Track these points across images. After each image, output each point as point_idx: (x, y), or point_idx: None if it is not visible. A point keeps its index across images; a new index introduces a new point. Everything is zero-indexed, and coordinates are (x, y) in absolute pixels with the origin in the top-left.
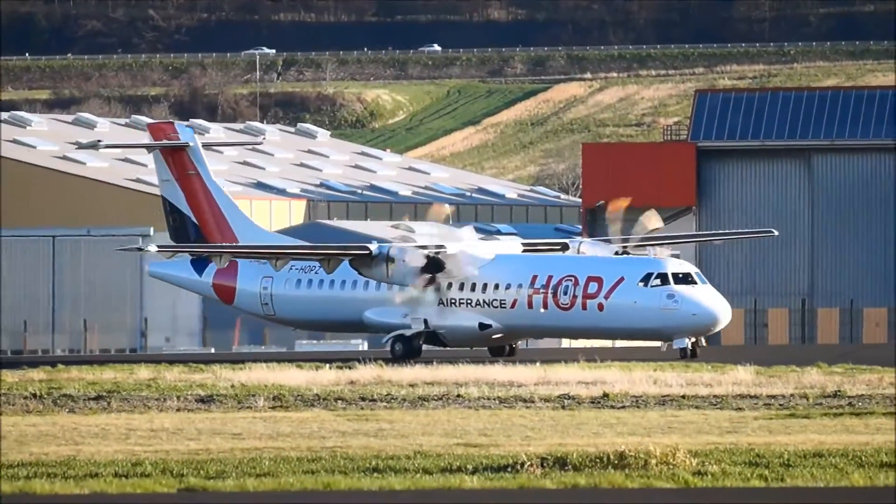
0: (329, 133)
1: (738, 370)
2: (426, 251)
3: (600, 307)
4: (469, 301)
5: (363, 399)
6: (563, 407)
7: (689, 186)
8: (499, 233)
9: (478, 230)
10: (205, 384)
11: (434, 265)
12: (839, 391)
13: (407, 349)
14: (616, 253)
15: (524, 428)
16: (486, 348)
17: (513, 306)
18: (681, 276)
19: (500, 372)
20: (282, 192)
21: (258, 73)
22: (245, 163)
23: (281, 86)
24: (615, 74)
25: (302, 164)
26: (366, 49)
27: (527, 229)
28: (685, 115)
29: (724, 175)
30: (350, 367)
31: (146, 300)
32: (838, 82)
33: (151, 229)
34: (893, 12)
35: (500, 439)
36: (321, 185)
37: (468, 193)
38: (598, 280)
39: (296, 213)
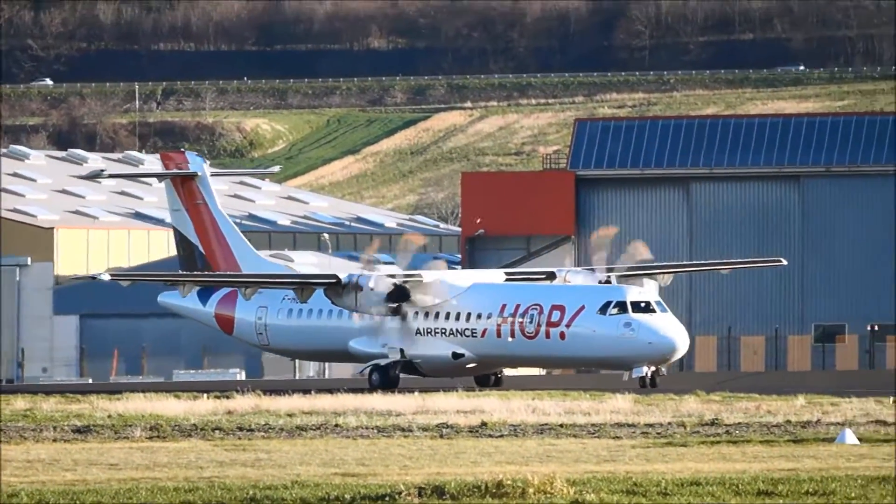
0: (208, 162)
1: (616, 398)
2: (393, 279)
3: (562, 336)
4: (443, 330)
5: (241, 429)
6: (442, 436)
7: (569, 215)
8: (378, 262)
9: (355, 259)
10: (82, 414)
11: (400, 294)
12: (716, 419)
13: (383, 379)
14: (600, 282)
15: (402, 457)
16: (472, 378)
17: (483, 335)
18: (640, 304)
19: (378, 401)
20: (160, 221)
21: (137, 102)
22: (123, 192)
23: (160, 115)
24: (495, 103)
25: None
26: (245, 78)
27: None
28: (565, 143)
29: (604, 203)
30: (228, 397)
31: (23, 331)
32: (718, 110)
33: (28, 259)
34: (772, 41)
35: (377, 468)
36: None
37: (347, 222)
38: (561, 308)
39: (174, 244)
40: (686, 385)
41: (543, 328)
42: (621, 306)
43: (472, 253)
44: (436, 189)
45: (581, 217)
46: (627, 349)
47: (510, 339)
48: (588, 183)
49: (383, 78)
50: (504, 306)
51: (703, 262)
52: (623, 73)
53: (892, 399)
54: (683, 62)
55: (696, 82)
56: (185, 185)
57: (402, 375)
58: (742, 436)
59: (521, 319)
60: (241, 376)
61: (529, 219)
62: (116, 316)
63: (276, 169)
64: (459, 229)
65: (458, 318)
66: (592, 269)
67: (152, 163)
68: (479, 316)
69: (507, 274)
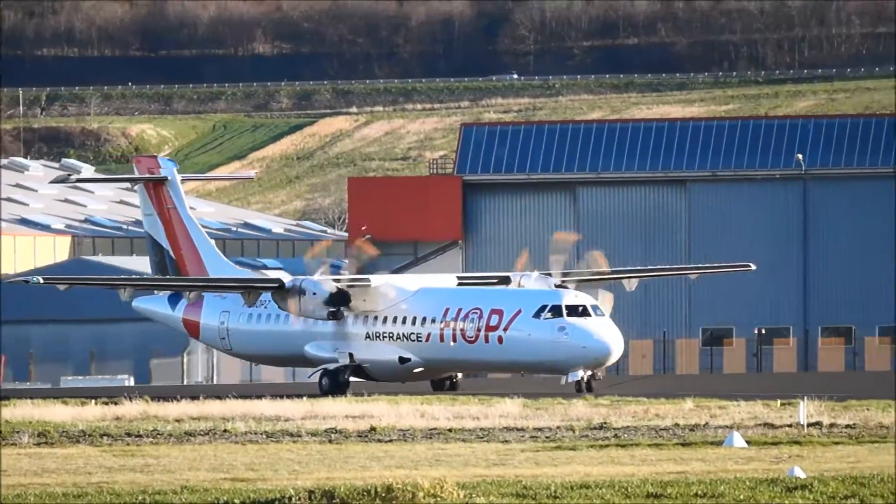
0: (94, 168)
1: (505, 402)
2: (336, 284)
3: (500, 340)
4: (391, 334)
5: (129, 434)
6: (331, 441)
7: (455, 220)
8: (265, 267)
9: (243, 264)
10: None
11: (340, 298)
12: (605, 423)
13: (333, 383)
14: (553, 285)
15: (291, 462)
16: (428, 382)
17: (427, 340)
18: (575, 308)
19: (266, 406)
20: (46, 227)
21: (21, 107)
22: (9, 199)
23: (45, 121)
24: (381, 108)
25: (66, 200)
26: (130, 83)
27: (293, 264)
28: (451, 148)
29: (491, 208)
30: (116, 403)
31: None
32: (603, 115)
33: None
34: (656, 46)
35: (267, 474)
36: (86, 220)
37: (234, 228)
38: (500, 313)
39: (60, 250)
40: (603, 388)
41: (483, 332)
42: (556, 310)
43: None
44: (322, 194)
45: (468, 222)
46: (561, 353)
47: (452, 343)
48: (475, 188)
49: (268, 83)
50: (447, 310)
51: (664, 267)
52: (508, 78)
53: (778, 402)
54: (568, 67)
55: (582, 87)
56: (156, 190)
57: (355, 379)
58: (631, 439)
59: (461, 324)
60: (130, 382)
61: (416, 224)
62: (4, 322)
63: (252, 174)
64: (346, 234)
65: (404, 322)
66: (549, 274)
67: (37, 169)
68: (423, 320)
69: (459, 279)
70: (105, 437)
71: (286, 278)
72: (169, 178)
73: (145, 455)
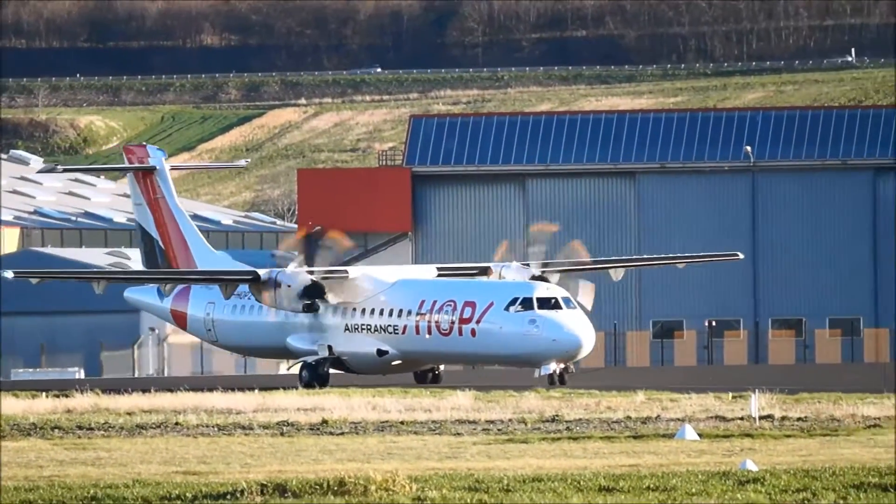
0: (42, 160)
1: (457, 395)
2: (310, 276)
3: (473, 333)
4: (369, 327)
5: (80, 427)
6: (283, 434)
7: (405, 212)
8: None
9: None
10: None
11: (315, 290)
12: (557, 416)
13: (312, 375)
14: (532, 277)
15: (243, 455)
16: (412, 374)
17: (404, 332)
18: (546, 300)
19: (218, 399)
20: None
21: None
22: None
23: None
24: (330, 100)
25: (15, 192)
26: (78, 75)
27: (243, 255)
28: (400, 140)
29: (440, 200)
30: (67, 396)
31: None
32: (552, 107)
33: None
34: (605, 38)
35: (219, 467)
36: (35, 212)
37: None
38: (473, 305)
39: (9, 241)
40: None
41: (456, 325)
42: (527, 303)
43: (310, 250)
44: (272, 186)
45: (418, 214)
46: (532, 346)
47: (427, 336)
48: (424, 179)
49: (217, 75)
50: (422, 302)
51: (651, 256)
52: (457, 70)
53: (730, 395)
54: (517, 59)
55: (530, 79)
56: (145, 179)
57: (337, 371)
58: (583, 432)
59: (436, 316)
60: (81, 375)
61: (366, 215)
62: None
63: (244, 163)
64: (296, 226)
65: (381, 314)
66: (527, 265)
67: None
68: (400, 313)
69: (439, 269)
70: (56, 430)
71: (262, 271)
72: (157, 167)
73: (97, 448)
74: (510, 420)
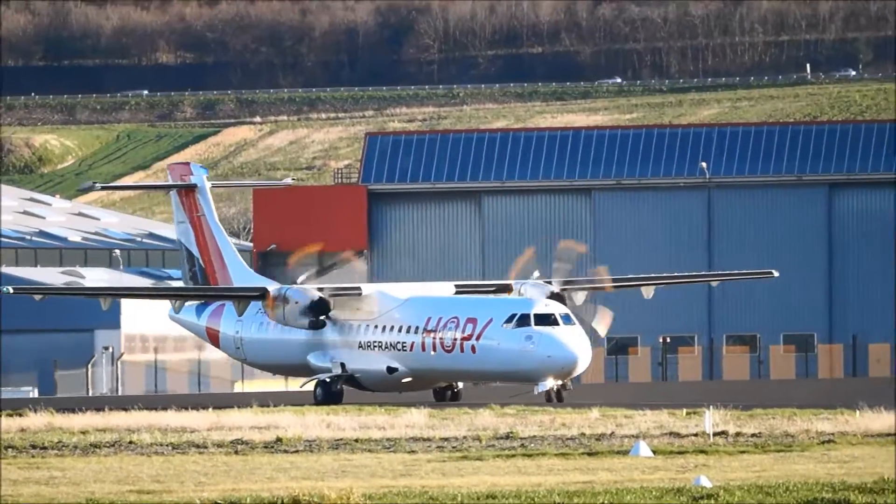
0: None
1: (411, 412)
2: (318, 293)
3: (473, 349)
4: (380, 344)
5: (34, 447)
6: (237, 452)
7: (361, 229)
8: (170, 278)
9: (148, 275)
10: None
11: (320, 307)
12: (511, 433)
13: (326, 394)
14: (551, 294)
15: (197, 474)
16: (431, 392)
17: (411, 349)
18: (544, 317)
19: (172, 418)
20: None
21: None
22: None
23: None
24: (285, 117)
25: None
26: (33, 93)
27: None
28: (356, 157)
29: (396, 218)
30: (20, 415)
31: None
32: (507, 124)
33: None
34: (560, 54)
35: (173, 485)
36: None
37: (139, 238)
38: (474, 321)
39: None
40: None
41: (458, 342)
42: (524, 319)
43: (265, 268)
44: (227, 204)
45: (373, 231)
46: (528, 363)
47: (432, 352)
48: (380, 197)
49: (172, 93)
50: (429, 319)
51: (682, 273)
52: (412, 87)
53: (684, 411)
54: (472, 76)
55: (486, 96)
56: (187, 197)
57: (360, 390)
58: (537, 449)
59: (440, 333)
60: (34, 394)
61: (322, 234)
62: None
63: (290, 181)
64: (251, 244)
65: (391, 331)
66: (549, 282)
67: None
68: (408, 329)
69: (457, 287)
70: (10, 450)
71: (271, 287)
72: (199, 185)
73: (50, 467)
74: (464, 437)
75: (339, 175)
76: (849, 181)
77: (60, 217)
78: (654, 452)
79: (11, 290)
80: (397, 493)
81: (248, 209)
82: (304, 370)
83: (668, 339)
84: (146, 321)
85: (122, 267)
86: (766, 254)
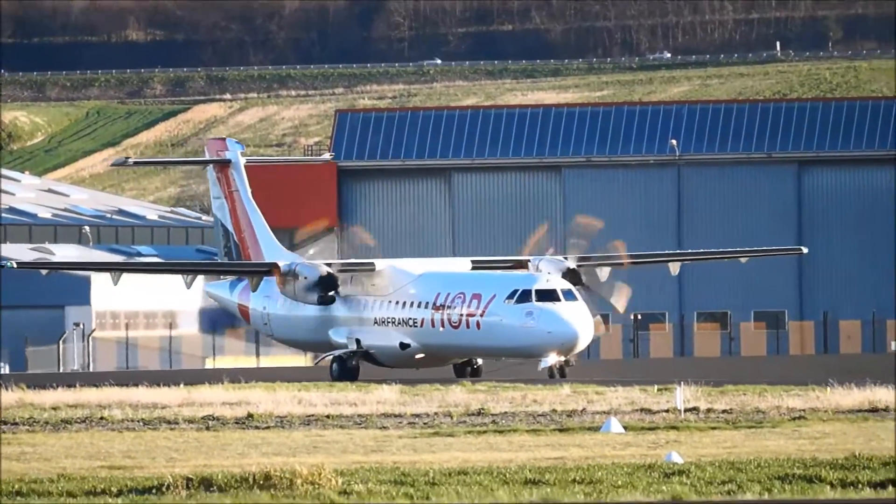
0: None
1: (383, 389)
2: (327, 269)
3: (478, 325)
4: (393, 320)
5: (5, 423)
6: (208, 428)
7: (331, 206)
8: (139, 254)
9: (117, 252)
10: None
11: (328, 282)
12: (483, 409)
13: (341, 369)
14: (566, 270)
15: (168, 449)
16: (451, 368)
17: (421, 325)
18: (545, 292)
19: (143, 394)
20: None
21: None
22: None
23: None
24: (255, 95)
25: None
26: (2, 70)
27: (168, 251)
28: (326, 135)
29: (366, 195)
30: None
31: None
32: (477, 101)
33: None
34: (531, 32)
35: (144, 461)
36: None
37: (108, 215)
38: (478, 297)
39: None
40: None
41: (464, 318)
42: (525, 295)
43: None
44: (197, 181)
45: (343, 208)
46: (528, 338)
47: (441, 329)
48: (350, 174)
49: (142, 70)
50: (438, 295)
51: (703, 251)
52: (383, 65)
53: (655, 387)
54: (443, 53)
55: (456, 73)
56: (222, 173)
57: (381, 366)
58: (508, 425)
59: (448, 309)
60: (5, 370)
61: (292, 210)
62: None
63: (328, 157)
64: None
65: (404, 307)
66: (564, 258)
67: None
68: (420, 305)
69: (473, 262)
70: None
71: (282, 262)
72: (233, 160)
73: (21, 443)
74: (436, 414)
75: (310, 152)
76: (818, 159)
77: (30, 193)
78: (625, 428)
79: (15, 265)
80: (369, 469)
81: None
82: (328, 346)
83: (640, 317)
84: (117, 298)
85: (91, 244)
86: (735, 231)
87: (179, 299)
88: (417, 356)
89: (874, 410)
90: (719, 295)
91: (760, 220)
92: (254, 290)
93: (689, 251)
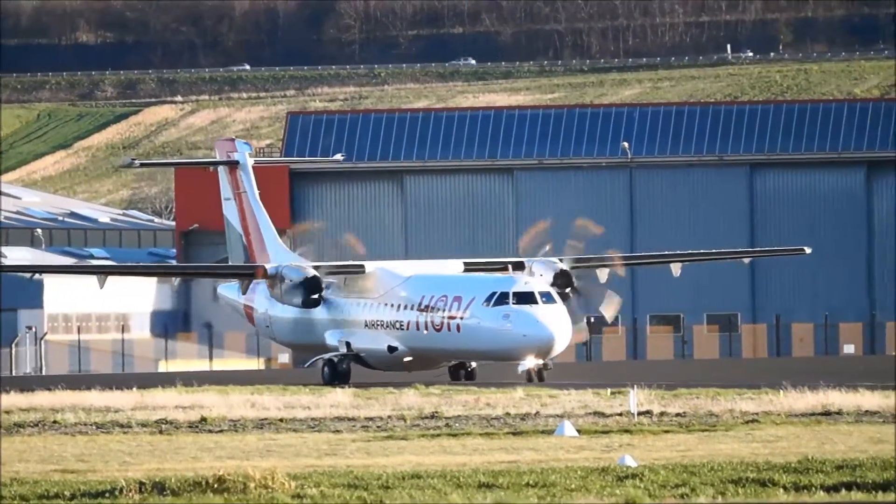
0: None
1: (336, 392)
2: (313, 271)
3: (458, 328)
4: (382, 323)
5: None
6: (161, 431)
7: (284, 209)
8: (91, 257)
9: (70, 254)
10: None
11: (312, 285)
12: (436, 412)
13: (332, 372)
14: (558, 272)
15: (121, 453)
16: (447, 371)
17: (408, 328)
18: (523, 295)
19: (96, 397)
20: None
21: None
22: None
23: None
24: (206, 97)
25: None
26: None
27: (121, 253)
28: (278, 137)
29: (319, 197)
30: None
31: None
32: (429, 104)
33: None
34: (481, 35)
35: (97, 465)
36: None
37: (60, 218)
38: (459, 300)
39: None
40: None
41: (446, 320)
42: (503, 297)
43: (188, 247)
44: (149, 183)
45: (296, 210)
46: (504, 342)
47: (425, 331)
48: (302, 176)
49: (93, 72)
50: (423, 297)
51: (716, 251)
52: (334, 67)
53: (609, 391)
54: (394, 56)
55: (407, 76)
56: (231, 174)
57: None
58: (462, 428)
59: (432, 312)
60: None
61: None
62: None
63: (340, 157)
64: (174, 223)
65: (392, 309)
66: (560, 259)
67: None
68: (406, 307)
69: (466, 265)
70: None
71: (269, 265)
72: (240, 161)
73: None
74: (389, 417)
75: (261, 154)
76: (770, 161)
77: None
78: (578, 432)
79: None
80: (322, 473)
81: (169, 188)
82: (325, 349)
83: (593, 320)
84: (69, 301)
85: (43, 246)
86: (687, 233)
87: (132, 302)
88: (406, 359)
89: (827, 414)
90: (672, 298)
91: (713, 221)
92: (243, 293)
93: (690, 252)
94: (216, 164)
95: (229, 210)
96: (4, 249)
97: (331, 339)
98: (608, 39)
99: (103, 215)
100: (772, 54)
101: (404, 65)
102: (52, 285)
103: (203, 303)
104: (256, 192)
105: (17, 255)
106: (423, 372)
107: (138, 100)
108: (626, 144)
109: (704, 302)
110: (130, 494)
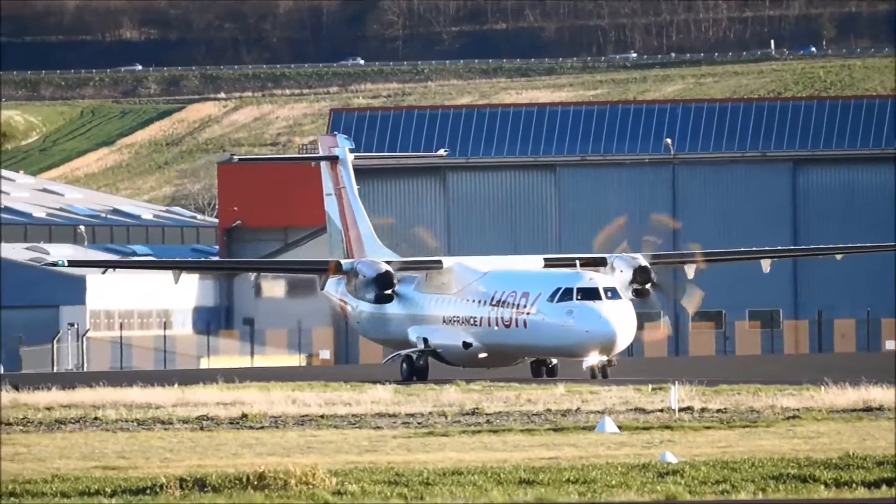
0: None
1: (377, 389)
2: (386, 267)
3: (525, 324)
4: (458, 319)
5: None
6: (202, 428)
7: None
8: (134, 254)
9: (113, 251)
10: None
11: (385, 280)
12: (477, 409)
13: (410, 368)
14: (637, 268)
15: (162, 450)
16: (528, 368)
17: (481, 324)
18: (587, 291)
19: (137, 394)
20: None
21: None
22: None
23: None
24: (250, 94)
25: None
26: None
27: (163, 250)
28: (320, 133)
29: (362, 193)
30: None
31: None
32: (472, 100)
33: None
34: (525, 31)
35: (138, 461)
36: None
37: (103, 214)
38: (527, 296)
39: None
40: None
41: (514, 316)
42: (567, 293)
43: (230, 244)
44: (192, 180)
45: None
46: (567, 338)
47: (496, 327)
48: None
49: (136, 69)
50: (495, 293)
51: (808, 247)
52: (377, 64)
53: (650, 387)
54: (437, 52)
55: (450, 72)
56: (332, 169)
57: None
58: (503, 425)
59: (502, 307)
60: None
61: (286, 209)
62: None
63: (443, 152)
64: (217, 220)
65: (467, 305)
66: (636, 256)
67: None
68: (480, 303)
69: (546, 260)
70: None
71: (345, 261)
72: (340, 157)
73: (15, 444)
74: (430, 413)
75: (304, 151)
76: (813, 157)
77: (24, 193)
78: (619, 428)
79: (66, 263)
80: (363, 469)
81: (212, 185)
82: (406, 345)
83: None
84: (111, 297)
85: (86, 243)
86: (729, 229)
87: (174, 299)
88: (480, 355)
89: (868, 410)
90: (714, 294)
91: (755, 218)
92: (321, 289)
93: (778, 248)
94: (317, 159)
95: (330, 206)
96: (48, 246)
97: (413, 334)
98: (651, 35)
99: (146, 212)
100: (815, 50)
101: (447, 61)
102: (94, 282)
103: (245, 299)
104: (355, 187)
105: (60, 252)
106: (500, 369)
107: (181, 96)
108: (668, 141)
109: (746, 298)
110: (171, 491)
